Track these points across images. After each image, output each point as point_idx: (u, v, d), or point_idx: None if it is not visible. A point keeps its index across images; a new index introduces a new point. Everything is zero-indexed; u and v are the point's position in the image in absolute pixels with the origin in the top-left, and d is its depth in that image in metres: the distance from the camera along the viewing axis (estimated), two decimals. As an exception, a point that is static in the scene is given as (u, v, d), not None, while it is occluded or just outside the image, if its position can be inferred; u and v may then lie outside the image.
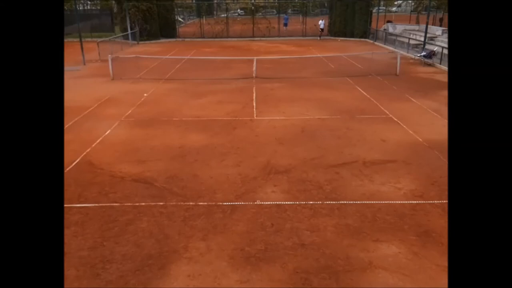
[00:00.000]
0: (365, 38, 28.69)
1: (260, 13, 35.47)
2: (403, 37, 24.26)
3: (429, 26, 20.35)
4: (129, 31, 26.25)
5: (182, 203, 6.02)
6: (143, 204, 6.01)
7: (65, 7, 28.66)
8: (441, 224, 5.37)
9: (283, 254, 4.79)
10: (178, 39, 30.44)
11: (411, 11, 41.37)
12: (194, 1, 45.58)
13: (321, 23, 29.69)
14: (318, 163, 7.42)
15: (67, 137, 8.51)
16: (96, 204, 6.01)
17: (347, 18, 29.44)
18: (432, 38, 22.12)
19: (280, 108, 11.20)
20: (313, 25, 31.73)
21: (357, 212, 5.69)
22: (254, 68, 15.61)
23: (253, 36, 30.76)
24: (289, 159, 7.58)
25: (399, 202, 6.01)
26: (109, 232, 5.29)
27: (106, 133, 9.19)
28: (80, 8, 34.62)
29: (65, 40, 22.07)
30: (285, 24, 29.75)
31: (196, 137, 8.93)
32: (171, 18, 31.02)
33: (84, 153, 7.99)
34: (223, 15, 36.82)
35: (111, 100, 12.29)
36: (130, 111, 10.97)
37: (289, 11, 41.05)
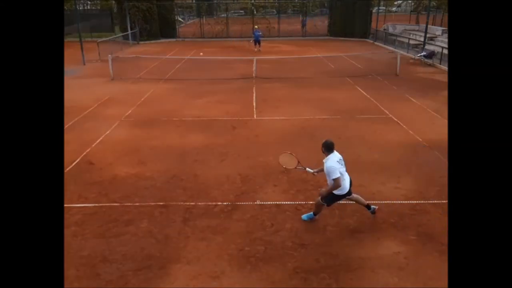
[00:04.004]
0: (365, 38, 28.69)
1: (260, 13, 35.43)
2: (403, 37, 24.27)
3: (429, 26, 20.34)
4: (129, 31, 26.24)
5: (182, 203, 6.02)
6: (143, 204, 6.01)
7: (65, 7, 28.63)
8: (441, 224, 5.36)
9: (283, 254, 4.79)
10: (178, 39, 30.43)
11: (411, 11, 41.34)
12: (194, 1, 45.55)
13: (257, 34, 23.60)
14: (318, 163, 7.40)
15: (67, 137, 8.50)
16: (96, 204, 6.01)
17: (347, 18, 29.44)
18: (432, 38, 22.11)
19: (280, 108, 11.20)
20: (313, 25, 31.71)
21: (357, 212, 5.69)
22: (254, 68, 15.60)
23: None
24: (289, 159, 7.56)
25: (399, 202, 6.01)
26: (109, 232, 5.29)
27: (106, 133, 9.19)
28: (80, 8, 34.62)
29: (65, 40, 22.04)
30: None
31: (196, 137, 8.93)
32: (171, 18, 31.00)
33: (84, 153, 7.99)
34: (223, 15, 36.80)
35: (111, 100, 12.28)
36: (130, 111, 10.97)
37: (289, 11, 41.01)
